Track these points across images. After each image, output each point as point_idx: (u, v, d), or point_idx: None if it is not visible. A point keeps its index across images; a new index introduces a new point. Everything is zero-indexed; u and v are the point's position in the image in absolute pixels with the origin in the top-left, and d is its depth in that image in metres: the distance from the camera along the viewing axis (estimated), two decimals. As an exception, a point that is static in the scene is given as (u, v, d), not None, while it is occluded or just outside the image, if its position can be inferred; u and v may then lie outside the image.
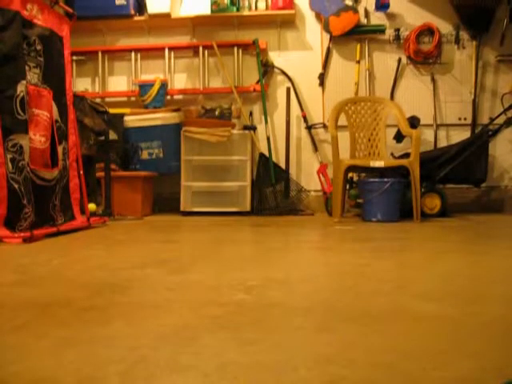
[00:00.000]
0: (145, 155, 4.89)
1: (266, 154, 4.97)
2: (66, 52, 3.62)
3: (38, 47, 3.22)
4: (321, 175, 4.97)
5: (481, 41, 4.96)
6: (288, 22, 5.18)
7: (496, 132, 4.56)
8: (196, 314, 1.36)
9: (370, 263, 2.15)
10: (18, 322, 1.29)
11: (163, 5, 5.03)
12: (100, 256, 2.39)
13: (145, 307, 1.44)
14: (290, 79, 5.16)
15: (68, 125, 3.60)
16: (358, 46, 5.10)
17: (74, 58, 5.12)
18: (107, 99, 5.33)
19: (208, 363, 0.99)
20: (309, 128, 5.13)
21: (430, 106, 5.04)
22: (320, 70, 5.16)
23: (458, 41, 4.99)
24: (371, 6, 5.03)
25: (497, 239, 3.07)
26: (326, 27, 5.03)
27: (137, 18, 5.14)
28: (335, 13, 4.98)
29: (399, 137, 4.57)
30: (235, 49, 5.19)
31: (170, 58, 5.27)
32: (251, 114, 5.19)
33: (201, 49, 5.20)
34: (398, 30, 5.04)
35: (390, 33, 5.06)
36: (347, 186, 4.51)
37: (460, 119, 5.03)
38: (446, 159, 4.41)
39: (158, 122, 4.86)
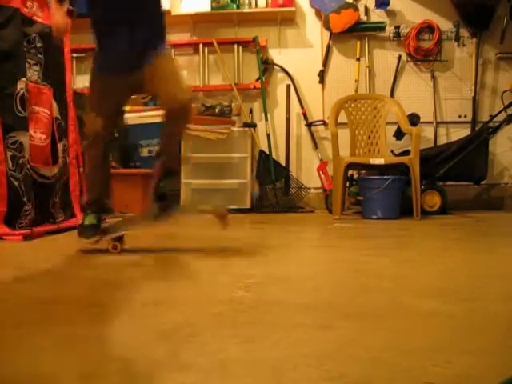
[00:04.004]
0: (145, 152, 4.88)
1: (266, 151, 4.96)
2: (66, 49, 3.62)
3: (38, 44, 3.21)
4: (321, 172, 4.96)
5: (481, 38, 4.94)
6: (288, 20, 5.16)
7: (496, 129, 4.54)
8: (196, 311, 1.36)
9: (369, 260, 2.15)
10: (19, 318, 1.29)
11: (163, 2, 5.01)
12: (100, 253, 2.39)
13: (145, 304, 1.45)
14: (290, 76, 5.15)
15: (68, 122, 3.59)
16: (358, 44, 5.08)
17: (74, 55, 5.10)
18: (107, 96, 5.32)
19: (208, 360, 0.99)
20: (309, 125, 5.12)
21: (430, 103, 5.03)
22: (320, 68, 5.15)
23: (458, 38, 4.98)
24: (371, 4, 5.02)
25: (496, 237, 3.08)
26: (326, 24, 5.02)
27: (137, 15, 5.13)
28: (335, 10, 4.97)
29: (399, 134, 4.56)
30: (235, 46, 5.17)
31: (169, 56, 5.26)
32: (251, 111, 5.18)
33: (201, 46, 5.18)
34: (398, 27, 5.02)
35: (390, 30, 5.05)
36: (347, 184, 4.50)
37: (460, 116, 5.02)
38: (446, 156, 4.41)
39: (158, 120, 4.84)
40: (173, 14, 5.08)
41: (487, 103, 5.00)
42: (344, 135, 4.40)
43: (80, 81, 5.30)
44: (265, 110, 5.02)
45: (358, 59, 5.09)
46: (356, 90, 5.05)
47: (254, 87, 5.11)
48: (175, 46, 5.26)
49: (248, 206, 4.72)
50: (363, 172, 4.65)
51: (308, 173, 5.14)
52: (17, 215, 2.91)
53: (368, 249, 2.51)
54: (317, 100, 5.17)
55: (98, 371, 0.94)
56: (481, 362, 0.98)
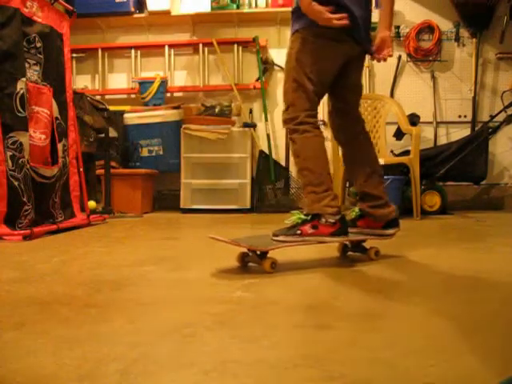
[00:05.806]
0: (145, 152, 4.88)
1: (266, 151, 4.96)
2: (66, 49, 3.62)
3: (38, 44, 3.21)
4: (321, 173, 4.96)
5: (481, 38, 4.95)
6: (288, 20, 5.11)
7: (496, 129, 4.55)
8: (196, 312, 1.36)
9: (369, 260, 2.15)
10: (18, 319, 1.29)
11: (163, 2, 5.02)
12: (100, 253, 2.39)
13: (144, 304, 1.45)
14: (289, 76, 5.14)
15: (68, 122, 3.59)
16: (358, 44, 5.09)
17: (74, 55, 5.10)
18: (107, 96, 5.32)
19: (208, 360, 0.99)
20: (309, 125, 5.12)
21: (430, 103, 5.03)
22: (320, 68, 5.15)
23: (458, 38, 4.98)
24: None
25: (496, 237, 3.07)
26: (326, 24, 5.02)
27: (137, 16, 5.13)
28: (335, 10, 4.97)
29: (399, 134, 4.56)
30: (235, 46, 5.17)
31: (169, 56, 5.26)
32: (251, 111, 5.18)
33: (201, 46, 5.19)
34: (398, 27, 5.03)
35: (390, 30, 5.05)
36: (347, 184, 4.50)
37: (460, 117, 5.03)
38: (446, 157, 4.41)
39: (158, 120, 4.86)
40: (173, 14, 5.08)
41: (487, 103, 5.00)
42: (344, 135, 4.39)
43: (80, 81, 5.31)
44: (265, 110, 5.02)
45: (358, 59, 5.08)
46: (356, 90, 5.04)
47: (254, 87, 5.11)
48: (175, 45, 5.27)
49: (248, 206, 4.72)
50: (363, 172, 4.63)
51: (308, 173, 5.12)
52: (17, 215, 2.91)
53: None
54: (317, 100, 5.16)
55: (98, 371, 0.94)
56: (481, 362, 0.98)
